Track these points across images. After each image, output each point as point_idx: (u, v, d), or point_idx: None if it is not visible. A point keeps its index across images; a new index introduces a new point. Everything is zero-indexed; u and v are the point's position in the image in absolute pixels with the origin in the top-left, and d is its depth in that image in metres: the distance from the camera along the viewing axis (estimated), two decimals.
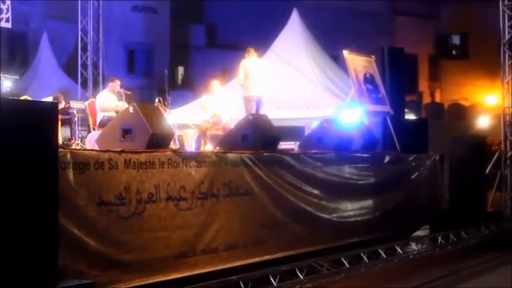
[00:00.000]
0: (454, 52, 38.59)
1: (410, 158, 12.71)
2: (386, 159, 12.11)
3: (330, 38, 26.48)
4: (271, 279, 8.49)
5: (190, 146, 13.55)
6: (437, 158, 13.07)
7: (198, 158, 8.33)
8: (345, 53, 14.64)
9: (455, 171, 13.12)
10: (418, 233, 12.89)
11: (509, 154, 15.09)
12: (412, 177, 12.64)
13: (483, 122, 25.93)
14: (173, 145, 11.39)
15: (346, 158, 11.07)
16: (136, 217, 7.40)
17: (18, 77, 18.65)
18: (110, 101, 12.69)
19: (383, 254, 10.56)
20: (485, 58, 30.47)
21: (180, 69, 36.08)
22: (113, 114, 12.09)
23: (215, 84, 13.85)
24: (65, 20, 25.89)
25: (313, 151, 10.64)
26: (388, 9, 36.81)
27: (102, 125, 11.81)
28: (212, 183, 8.39)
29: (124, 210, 7.28)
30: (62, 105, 13.33)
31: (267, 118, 10.58)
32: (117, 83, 13.14)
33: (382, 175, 11.73)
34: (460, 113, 34.30)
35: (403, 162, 12.58)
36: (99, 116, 12.79)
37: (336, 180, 10.70)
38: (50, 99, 12.93)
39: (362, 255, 10.15)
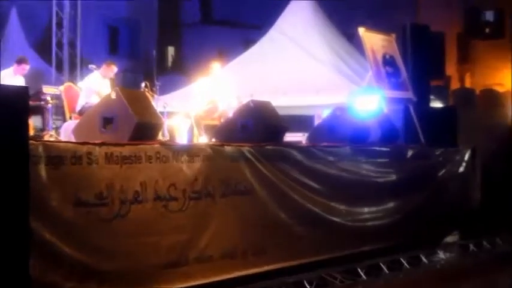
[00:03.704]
0: (487, 30, 38.49)
1: (437, 153, 12.70)
2: (409, 153, 12.10)
3: (344, 13, 26.43)
4: None
5: (181, 138, 13.54)
6: (467, 152, 13.06)
7: (191, 152, 8.32)
8: (361, 30, 14.61)
9: (488, 167, 13.12)
10: (446, 239, 12.87)
11: None
12: (439, 174, 12.64)
13: None
14: (162, 137, 11.36)
15: (362, 152, 11.06)
16: (119, 220, 7.38)
17: None
18: (100, 86, 12.64)
19: (405, 263, 10.57)
20: None
21: (170, 50, 36.11)
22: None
23: (215, 67, 13.92)
24: None
25: (324, 144, 10.62)
26: None
27: (83, 112, 11.79)
28: (207, 180, 8.37)
29: (105, 211, 7.27)
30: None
31: (270, 105, 10.56)
32: (113, 68, 13.10)
33: (404, 172, 11.72)
34: (494, 100, 34.23)
35: (429, 157, 12.57)
36: (81, 102, 12.74)
37: (351, 177, 10.68)
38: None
39: (381, 265, 10.15)
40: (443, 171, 12.69)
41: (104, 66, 13.06)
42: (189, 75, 23.18)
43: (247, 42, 25.08)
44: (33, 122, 12.89)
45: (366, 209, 10.95)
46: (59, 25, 19.63)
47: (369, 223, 10.96)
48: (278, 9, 20.55)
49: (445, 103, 29.85)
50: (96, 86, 12.54)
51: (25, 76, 13.39)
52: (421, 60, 15.63)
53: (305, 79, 17.45)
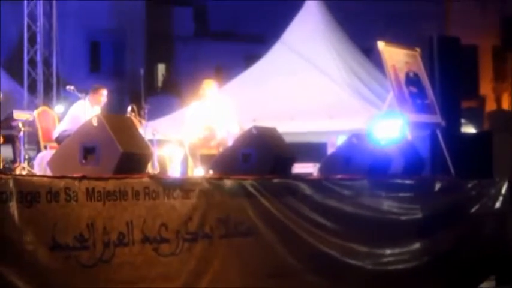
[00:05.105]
0: None
1: (469, 185, 12.69)
2: (437, 186, 12.10)
3: (360, 24, 26.57)
4: None
5: (174, 170, 13.58)
6: (505, 185, 13.05)
7: (185, 186, 8.35)
8: (380, 44, 14.67)
9: None
10: (482, 285, 12.86)
11: None
12: (472, 210, 12.61)
13: None
14: (151, 169, 11.42)
15: (383, 186, 11.08)
16: (102, 265, 7.39)
17: None
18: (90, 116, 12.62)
19: None
20: None
21: (161, 68, 36.16)
22: None
23: (209, 86, 13.76)
24: (5, 1, 26.01)
25: (339, 176, 10.66)
26: None
27: (60, 141, 11.79)
28: (203, 219, 8.40)
29: (87, 256, 7.27)
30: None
31: (276, 132, 10.60)
32: (102, 92, 13.11)
33: (432, 208, 11.72)
34: None
35: (460, 191, 12.56)
36: (59, 128, 12.74)
37: (370, 215, 10.70)
38: None
39: None
40: (476, 206, 12.67)
41: (91, 94, 12.98)
42: (183, 97, 23.23)
43: (250, 58, 25.20)
44: (3, 152, 12.94)
45: (387, 251, 10.96)
46: (32, 40, 19.69)
47: (391, 267, 10.96)
48: (285, 20, 20.57)
49: (479, 128, 29.88)
50: (85, 116, 12.39)
51: None
52: (450, 78, 15.68)
53: (316, 101, 17.49)
